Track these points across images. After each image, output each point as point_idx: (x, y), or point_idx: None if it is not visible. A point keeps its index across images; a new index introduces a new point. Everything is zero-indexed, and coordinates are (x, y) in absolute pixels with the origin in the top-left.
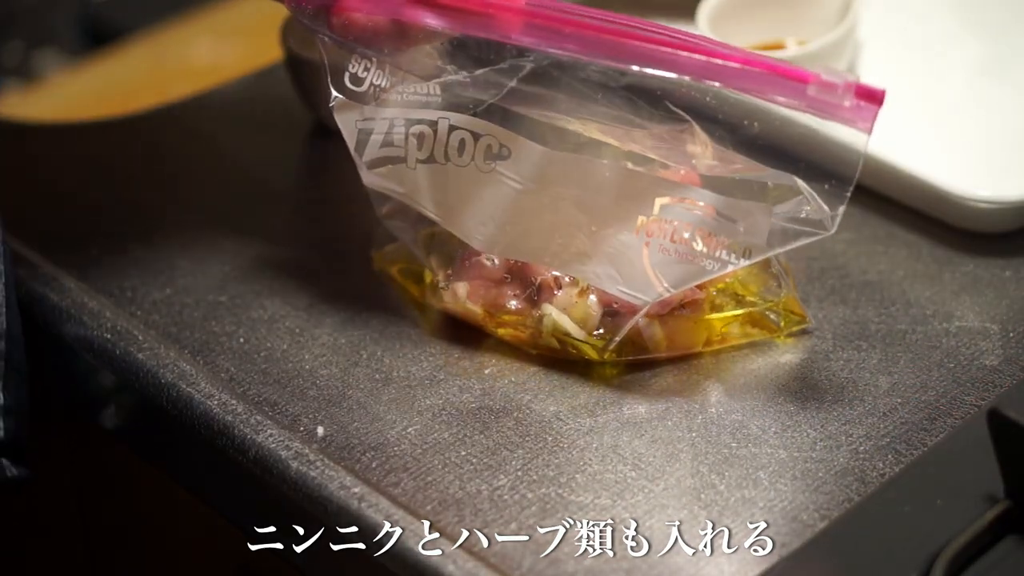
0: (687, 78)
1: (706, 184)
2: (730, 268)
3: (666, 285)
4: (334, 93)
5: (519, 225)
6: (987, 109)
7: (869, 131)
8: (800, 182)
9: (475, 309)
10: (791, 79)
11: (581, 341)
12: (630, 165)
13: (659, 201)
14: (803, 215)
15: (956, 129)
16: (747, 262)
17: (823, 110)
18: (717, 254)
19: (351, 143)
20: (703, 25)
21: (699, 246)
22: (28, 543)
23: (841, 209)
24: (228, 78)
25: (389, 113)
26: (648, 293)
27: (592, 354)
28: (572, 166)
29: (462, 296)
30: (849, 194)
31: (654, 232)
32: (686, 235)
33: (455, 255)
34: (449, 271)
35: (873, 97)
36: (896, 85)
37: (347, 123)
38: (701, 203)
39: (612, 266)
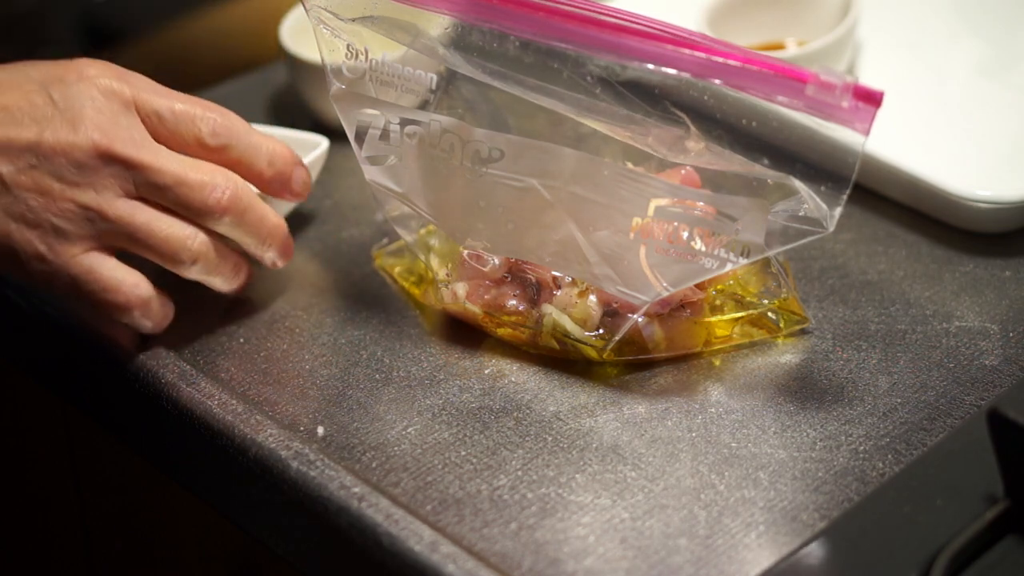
0: (687, 75)
1: (704, 180)
2: (729, 267)
3: (665, 284)
4: (334, 83)
5: (515, 224)
6: (987, 109)
7: (867, 132)
8: (797, 182)
9: (474, 309)
10: (790, 78)
11: (581, 341)
12: (630, 165)
13: (654, 203)
14: (801, 213)
15: (956, 129)
16: (746, 260)
17: (821, 110)
18: (716, 252)
19: (351, 134)
20: (703, 25)
21: (698, 245)
22: (28, 543)
23: (839, 210)
24: (228, 78)
25: (386, 109)
26: (647, 293)
27: (592, 354)
28: (571, 161)
29: (461, 296)
30: (846, 195)
31: (650, 233)
32: (684, 235)
33: (455, 255)
34: (449, 271)
35: (871, 98)
36: (896, 85)
37: (347, 114)
38: (700, 203)
39: (610, 266)
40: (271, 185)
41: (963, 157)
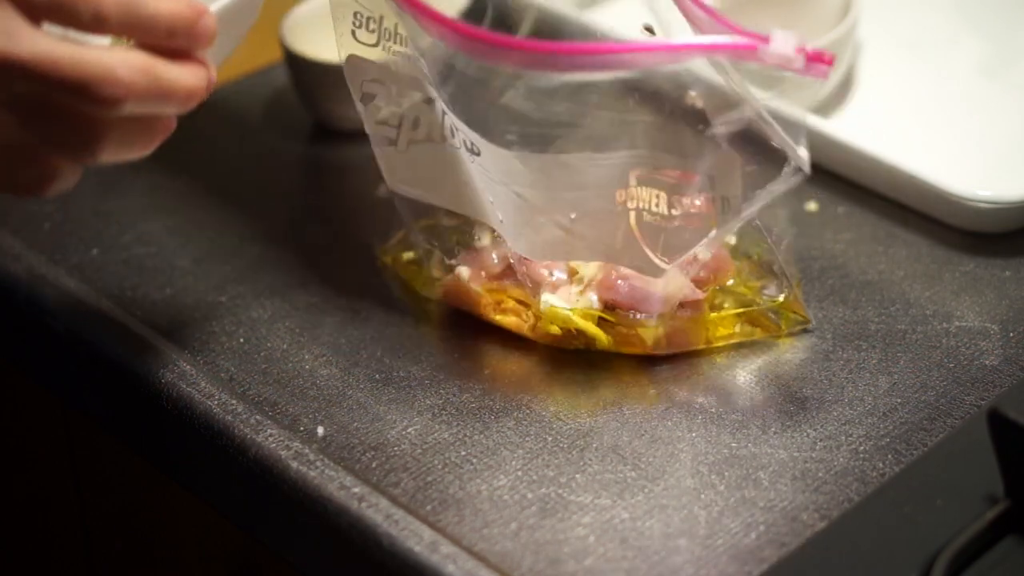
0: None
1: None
2: (714, 231)
3: (660, 256)
4: (347, 52)
5: (504, 219)
6: (987, 109)
7: (825, 77)
8: (763, 112)
9: (478, 289)
10: (741, 50)
11: (583, 320)
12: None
13: (633, 173)
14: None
15: (956, 129)
16: (732, 220)
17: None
18: (697, 211)
19: (357, 99)
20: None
21: (679, 209)
22: (28, 543)
23: (803, 149)
24: (228, 78)
25: (396, 80)
26: (646, 262)
27: (594, 330)
28: (543, 167)
29: (465, 278)
30: (804, 132)
31: (636, 203)
32: (666, 200)
33: (455, 247)
34: (453, 260)
35: (821, 59)
36: (896, 85)
37: (355, 80)
38: (675, 171)
39: (603, 247)
40: (177, 51)
41: (963, 157)
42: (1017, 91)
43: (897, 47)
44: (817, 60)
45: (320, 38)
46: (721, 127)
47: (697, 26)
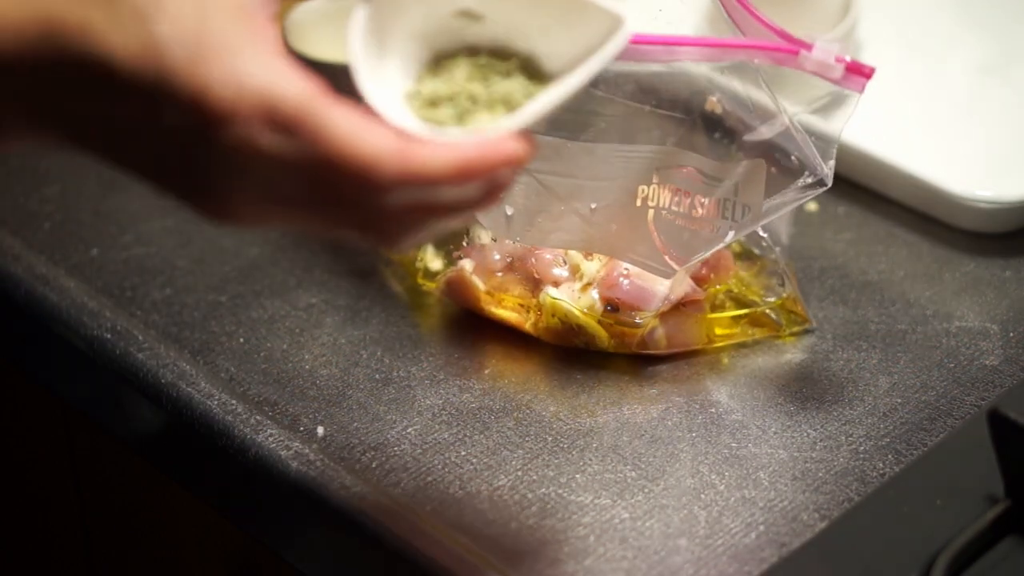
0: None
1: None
2: (731, 234)
3: (673, 252)
4: None
5: (515, 209)
6: (987, 109)
7: (860, 90)
8: (793, 122)
9: (479, 283)
10: (783, 53)
11: (585, 315)
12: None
13: (657, 170)
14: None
15: (956, 129)
16: (748, 223)
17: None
18: (716, 217)
19: None
20: (703, 24)
21: (699, 212)
22: (28, 543)
23: (831, 163)
24: None
25: None
26: (658, 261)
27: (594, 327)
28: (574, 154)
29: (468, 270)
30: (835, 147)
31: (656, 201)
32: (687, 201)
33: (457, 244)
34: (456, 254)
35: (862, 72)
36: (896, 84)
37: None
38: (695, 168)
39: (617, 240)
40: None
41: (963, 157)
42: (1017, 91)
43: (897, 47)
44: (856, 72)
45: (322, 37)
46: (754, 135)
47: (740, 27)
